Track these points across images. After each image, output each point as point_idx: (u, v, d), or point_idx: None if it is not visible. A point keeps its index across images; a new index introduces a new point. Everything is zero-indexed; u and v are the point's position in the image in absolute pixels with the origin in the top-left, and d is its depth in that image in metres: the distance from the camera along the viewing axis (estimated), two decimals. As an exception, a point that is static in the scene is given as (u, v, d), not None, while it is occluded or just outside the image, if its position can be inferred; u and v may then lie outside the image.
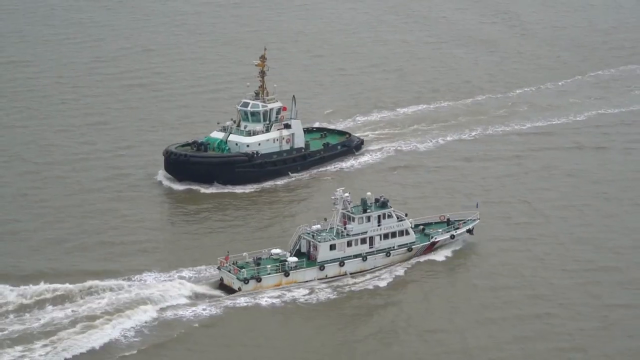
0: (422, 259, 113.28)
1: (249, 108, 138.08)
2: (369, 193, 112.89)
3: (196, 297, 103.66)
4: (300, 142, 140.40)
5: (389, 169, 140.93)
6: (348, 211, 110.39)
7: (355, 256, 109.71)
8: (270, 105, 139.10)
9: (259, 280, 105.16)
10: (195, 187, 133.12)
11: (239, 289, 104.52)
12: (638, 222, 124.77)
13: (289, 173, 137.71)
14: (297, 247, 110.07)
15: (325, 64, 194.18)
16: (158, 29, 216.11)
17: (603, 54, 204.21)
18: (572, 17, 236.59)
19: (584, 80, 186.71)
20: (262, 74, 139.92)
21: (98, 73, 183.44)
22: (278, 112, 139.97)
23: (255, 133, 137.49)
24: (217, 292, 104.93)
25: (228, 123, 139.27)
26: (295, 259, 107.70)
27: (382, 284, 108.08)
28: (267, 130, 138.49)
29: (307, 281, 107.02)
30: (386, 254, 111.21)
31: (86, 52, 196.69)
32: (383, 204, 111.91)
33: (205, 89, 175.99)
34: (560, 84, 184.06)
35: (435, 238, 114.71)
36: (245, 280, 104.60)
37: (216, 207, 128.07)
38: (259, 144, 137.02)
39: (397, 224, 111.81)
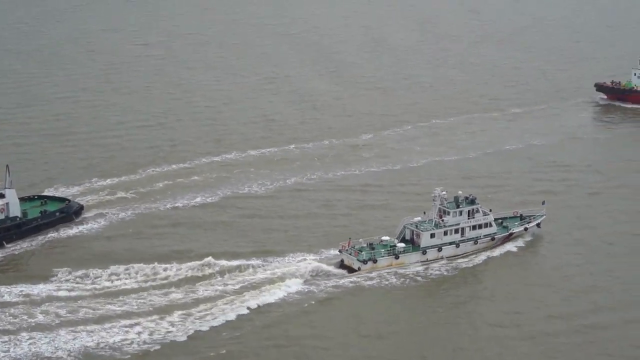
0: (502, 246, 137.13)
1: None
2: (460, 192, 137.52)
3: (323, 275, 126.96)
4: (15, 210, 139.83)
5: (103, 237, 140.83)
6: (444, 206, 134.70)
7: (450, 243, 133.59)
8: None
9: (375, 261, 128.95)
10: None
11: (359, 269, 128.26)
12: None
13: (4, 243, 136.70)
14: (402, 235, 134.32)
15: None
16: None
17: (453, 104, 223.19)
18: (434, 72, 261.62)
19: (427, 127, 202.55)
20: None
21: None
22: None
23: None
24: (340, 271, 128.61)
25: None
26: (403, 244, 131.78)
27: (471, 265, 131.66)
28: None
29: (412, 263, 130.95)
30: (474, 242, 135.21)
31: None
32: (472, 201, 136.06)
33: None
34: (399, 131, 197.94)
35: (513, 230, 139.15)
36: (364, 262, 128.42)
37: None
38: None
39: (483, 217, 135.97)
